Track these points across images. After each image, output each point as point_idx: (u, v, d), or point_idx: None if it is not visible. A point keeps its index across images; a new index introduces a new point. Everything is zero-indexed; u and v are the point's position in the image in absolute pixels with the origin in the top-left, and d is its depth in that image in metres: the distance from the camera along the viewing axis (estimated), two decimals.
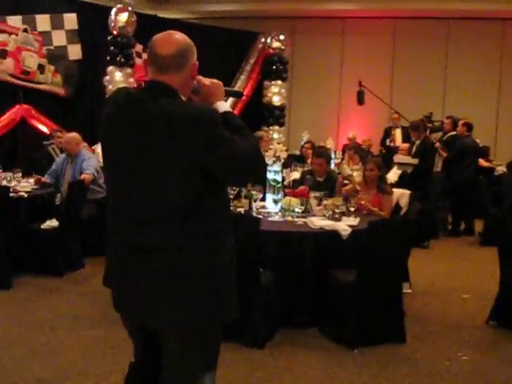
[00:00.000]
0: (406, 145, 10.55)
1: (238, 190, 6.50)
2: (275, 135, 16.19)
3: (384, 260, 5.06)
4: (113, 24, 12.95)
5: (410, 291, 6.72)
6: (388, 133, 13.01)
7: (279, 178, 6.33)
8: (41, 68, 12.78)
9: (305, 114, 17.01)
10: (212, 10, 16.89)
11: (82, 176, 7.72)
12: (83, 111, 13.50)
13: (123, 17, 13.01)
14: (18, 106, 12.40)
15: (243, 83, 16.24)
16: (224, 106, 2.69)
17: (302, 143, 11.43)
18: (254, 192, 6.25)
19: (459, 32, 16.01)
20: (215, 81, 2.77)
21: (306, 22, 17.06)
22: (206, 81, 2.74)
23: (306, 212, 6.21)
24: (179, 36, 2.61)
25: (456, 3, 14.61)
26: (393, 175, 10.02)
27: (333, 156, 10.64)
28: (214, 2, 16.73)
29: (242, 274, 4.97)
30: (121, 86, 12.87)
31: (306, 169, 8.78)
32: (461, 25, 15.91)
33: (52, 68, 12.94)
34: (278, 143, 9.34)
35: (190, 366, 2.70)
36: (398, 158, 10.27)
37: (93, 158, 8.15)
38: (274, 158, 6.30)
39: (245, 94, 16.15)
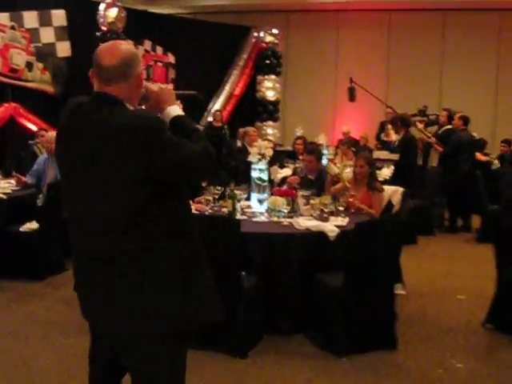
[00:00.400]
0: None
1: (223, 189, 6.26)
2: (269, 130, 16.01)
3: (372, 262, 4.81)
4: (102, 20, 12.72)
5: (403, 292, 6.47)
6: (383, 127, 12.76)
7: (265, 177, 6.08)
8: (29, 65, 12.54)
9: (300, 109, 16.77)
10: (204, 5, 16.66)
11: None
12: None
13: (112, 12, 12.79)
14: (5, 105, 12.18)
15: (236, 78, 16.03)
16: (175, 110, 2.69)
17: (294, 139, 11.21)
18: (237, 192, 6.00)
19: (455, 23, 15.71)
20: (163, 86, 2.79)
21: (299, 16, 16.83)
22: (154, 87, 2.74)
23: (294, 212, 5.95)
24: (123, 46, 2.60)
25: None
26: (387, 171, 9.77)
27: (325, 152, 10.40)
28: None
29: (222, 278, 4.79)
30: None
31: (297, 165, 8.55)
32: (457, 16, 15.61)
33: (40, 65, 12.71)
34: (266, 139, 9.01)
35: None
36: (376, 154, 10.05)
37: None
38: (259, 156, 5.98)
39: (238, 89, 15.97)
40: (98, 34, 12.67)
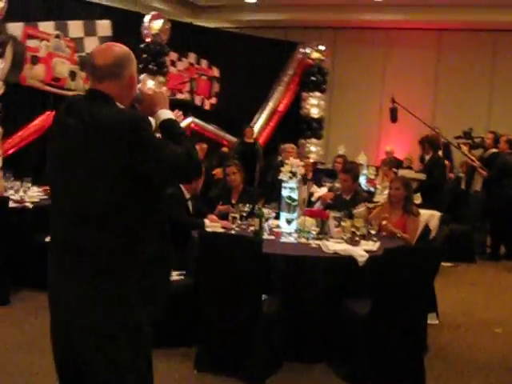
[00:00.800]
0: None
1: (251, 207, 6.07)
2: (312, 148, 15.74)
3: (401, 290, 4.55)
4: (146, 31, 12.67)
5: (437, 322, 6.17)
6: None
7: (295, 196, 5.86)
8: (72, 75, 12.53)
9: (344, 127, 16.49)
10: (251, 20, 16.52)
11: None
12: None
13: (157, 24, 12.71)
14: (47, 113, 12.18)
15: (281, 94, 15.82)
16: (166, 114, 2.78)
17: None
18: (267, 210, 5.80)
19: (506, 44, 15.24)
20: (158, 90, 2.88)
21: (347, 33, 16.58)
22: (149, 90, 2.85)
23: (324, 234, 5.72)
24: (117, 47, 2.73)
25: (503, 15, 13.91)
26: None
27: (365, 172, 10.14)
28: (253, 11, 16.34)
29: (241, 300, 4.59)
30: None
31: (336, 184, 8.33)
32: (508, 37, 15.15)
33: (83, 75, 12.69)
34: (303, 158, 8.81)
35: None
36: (402, 172, 9.72)
37: None
38: (290, 174, 5.77)
39: (282, 105, 15.77)
40: (141, 45, 12.64)
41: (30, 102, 12.13)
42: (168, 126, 2.75)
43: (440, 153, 9.87)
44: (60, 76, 12.33)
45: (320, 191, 8.58)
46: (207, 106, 15.07)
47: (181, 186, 6.26)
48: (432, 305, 6.07)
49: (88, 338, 2.56)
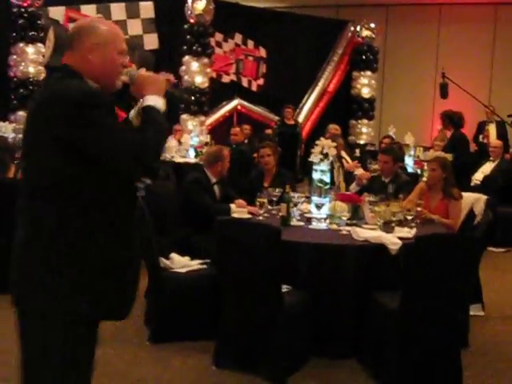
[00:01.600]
0: (498, 142, 9.42)
1: (282, 191, 5.72)
2: (364, 129, 15.31)
3: (435, 282, 4.15)
4: (189, 12, 12.40)
5: (482, 314, 5.73)
6: (481, 128, 11.80)
7: (327, 179, 5.48)
8: None
9: (397, 107, 15.91)
10: None
11: None
12: None
13: (200, 4, 12.43)
14: None
15: (330, 74, 15.42)
16: (152, 100, 2.60)
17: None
18: (296, 194, 5.45)
19: None
20: (155, 75, 2.70)
21: (399, 10, 15.97)
22: (145, 73, 2.69)
23: (358, 219, 5.35)
24: (85, 21, 2.72)
25: None
26: (480, 175, 8.95)
27: (412, 153, 9.67)
28: None
29: (259, 292, 4.27)
30: (197, 76, 12.35)
31: (374, 166, 7.93)
32: None
33: (128, 58, 12.50)
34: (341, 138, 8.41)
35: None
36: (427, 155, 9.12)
37: None
38: (321, 156, 5.40)
39: (332, 85, 15.35)
40: (185, 26, 12.39)
41: None
42: (147, 112, 2.57)
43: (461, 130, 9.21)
44: None
45: (357, 172, 8.16)
46: (254, 88, 14.77)
47: (206, 169, 5.98)
48: (476, 295, 5.65)
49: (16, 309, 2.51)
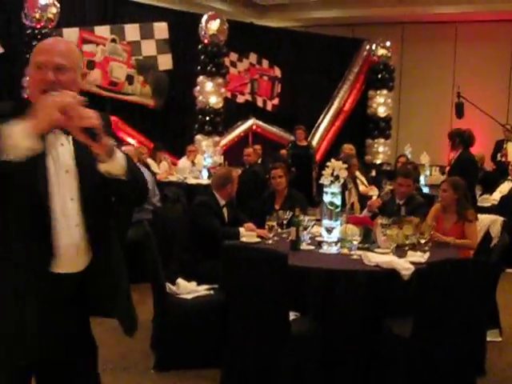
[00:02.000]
0: None
1: (292, 214, 5.57)
2: (380, 148, 15.16)
3: (449, 309, 3.99)
4: (203, 32, 12.37)
5: (499, 339, 5.54)
6: (500, 147, 11.63)
7: (337, 202, 5.34)
8: (129, 79, 12.35)
9: (414, 126, 15.82)
10: (316, 17, 15.97)
11: None
12: (172, 123, 12.99)
13: (214, 24, 12.40)
14: None
15: (346, 93, 15.28)
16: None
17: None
18: (303, 218, 5.31)
19: None
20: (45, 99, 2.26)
21: (415, 28, 15.88)
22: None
23: (371, 243, 5.19)
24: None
25: None
26: (498, 194, 8.75)
27: (427, 173, 9.51)
28: (318, 9, 15.78)
29: (265, 319, 4.12)
30: (212, 96, 12.28)
31: (388, 187, 7.75)
32: None
33: (141, 79, 12.49)
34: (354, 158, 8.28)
35: None
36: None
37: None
38: (332, 178, 5.27)
39: (347, 104, 15.25)
40: (199, 46, 12.35)
41: (88, 107, 11.98)
42: None
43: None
44: (117, 80, 12.17)
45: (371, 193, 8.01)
46: (269, 107, 14.69)
47: (214, 192, 5.85)
48: (493, 320, 5.46)
49: None
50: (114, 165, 2.32)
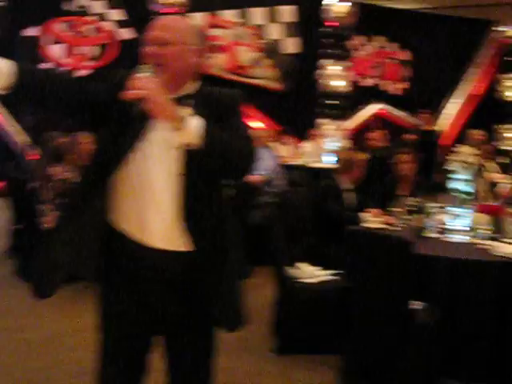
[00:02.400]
0: None
1: (418, 201, 5.43)
2: (510, 134, 14.51)
3: None
4: (328, 15, 12.23)
5: None
6: None
7: (467, 189, 5.15)
8: (256, 62, 12.43)
9: None
10: None
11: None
12: (298, 106, 12.96)
13: (339, 7, 12.25)
14: None
15: (476, 77, 14.74)
16: None
17: None
18: (431, 205, 5.17)
19: None
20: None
21: None
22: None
23: (501, 233, 4.99)
24: None
25: None
26: None
27: None
28: None
29: (387, 307, 4.06)
30: (336, 79, 12.18)
31: None
32: None
33: (268, 62, 12.55)
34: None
35: None
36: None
37: (267, 159, 7.44)
38: (462, 164, 5.10)
39: (477, 88, 14.73)
40: (324, 29, 12.22)
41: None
42: None
43: None
44: (244, 64, 12.27)
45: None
46: (396, 91, 14.40)
47: (339, 176, 5.81)
48: None
49: None
50: (187, 134, 2.23)
